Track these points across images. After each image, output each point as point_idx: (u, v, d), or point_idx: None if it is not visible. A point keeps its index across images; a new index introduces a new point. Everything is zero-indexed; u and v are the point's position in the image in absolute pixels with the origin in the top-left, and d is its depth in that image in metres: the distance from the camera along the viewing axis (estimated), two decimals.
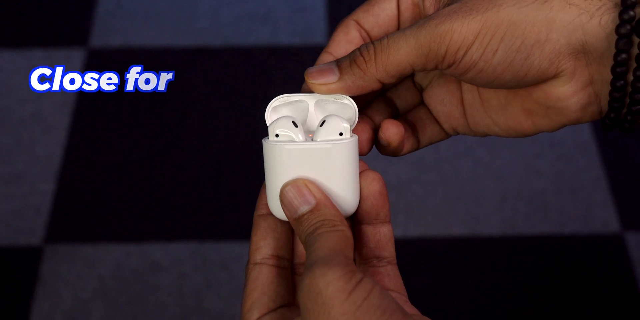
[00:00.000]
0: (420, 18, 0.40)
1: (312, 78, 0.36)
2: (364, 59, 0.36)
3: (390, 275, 0.37)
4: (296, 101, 0.38)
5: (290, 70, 1.30)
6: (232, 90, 1.28)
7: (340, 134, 0.36)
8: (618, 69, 0.34)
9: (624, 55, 0.33)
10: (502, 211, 1.12)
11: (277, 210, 0.37)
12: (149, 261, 1.06)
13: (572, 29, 0.34)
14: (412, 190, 1.14)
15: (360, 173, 0.37)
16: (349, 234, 0.34)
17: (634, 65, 0.34)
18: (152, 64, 1.29)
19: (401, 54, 0.35)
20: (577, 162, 1.18)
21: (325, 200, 0.35)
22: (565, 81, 0.35)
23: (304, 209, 0.35)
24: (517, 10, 0.34)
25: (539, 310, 1.02)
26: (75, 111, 1.24)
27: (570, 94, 0.35)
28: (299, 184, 0.35)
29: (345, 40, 0.39)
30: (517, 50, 0.34)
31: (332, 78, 0.36)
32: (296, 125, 0.36)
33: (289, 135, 0.36)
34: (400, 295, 0.37)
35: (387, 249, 0.37)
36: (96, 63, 1.30)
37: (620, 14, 0.33)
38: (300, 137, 0.36)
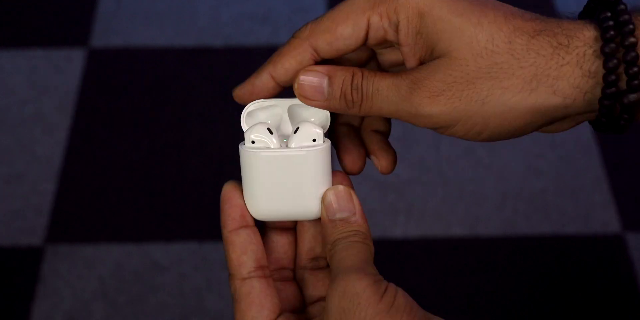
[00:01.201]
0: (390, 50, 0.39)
1: (303, 92, 0.37)
2: (352, 99, 0.37)
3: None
4: (270, 106, 0.39)
5: None
6: (232, 90, 1.28)
7: (314, 140, 0.37)
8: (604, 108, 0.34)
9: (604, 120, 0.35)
10: (502, 211, 1.12)
11: (260, 211, 0.38)
12: (149, 261, 1.06)
13: (554, 110, 0.35)
14: (412, 190, 1.14)
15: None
16: (373, 250, 0.37)
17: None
18: (152, 64, 1.29)
19: (384, 109, 0.37)
20: (578, 163, 1.18)
21: (363, 213, 0.38)
22: (557, 125, 0.37)
23: (344, 214, 0.37)
24: (504, 102, 0.34)
25: (539, 310, 1.02)
26: (76, 111, 1.24)
27: (565, 127, 0.37)
28: (347, 191, 0.38)
29: (294, 69, 0.38)
30: (502, 133, 0.36)
31: (320, 98, 0.37)
32: (271, 132, 0.38)
33: (264, 142, 0.38)
34: None
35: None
36: (96, 63, 1.30)
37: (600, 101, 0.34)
38: (275, 143, 0.37)
